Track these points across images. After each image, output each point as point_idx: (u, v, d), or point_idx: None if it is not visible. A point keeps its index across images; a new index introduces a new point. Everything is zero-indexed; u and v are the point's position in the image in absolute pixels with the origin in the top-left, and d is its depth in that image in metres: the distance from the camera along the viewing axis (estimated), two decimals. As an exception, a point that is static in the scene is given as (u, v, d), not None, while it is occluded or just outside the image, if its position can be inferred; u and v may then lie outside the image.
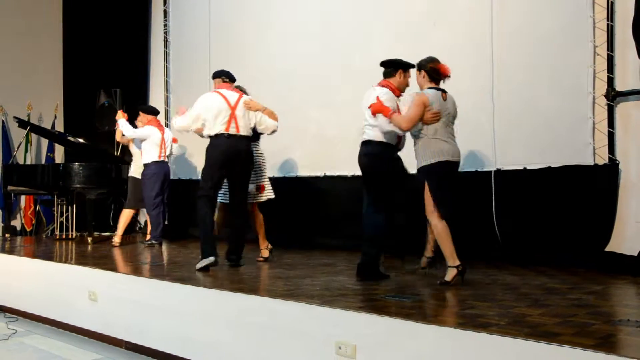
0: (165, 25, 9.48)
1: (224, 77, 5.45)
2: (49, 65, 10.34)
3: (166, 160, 7.39)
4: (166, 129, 7.59)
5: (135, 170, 7.51)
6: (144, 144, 7.26)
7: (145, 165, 7.24)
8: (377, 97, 4.45)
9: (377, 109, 4.41)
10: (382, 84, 4.67)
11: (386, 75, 4.72)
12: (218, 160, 5.12)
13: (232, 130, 5.18)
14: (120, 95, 9.42)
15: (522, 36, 5.68)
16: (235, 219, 5.41)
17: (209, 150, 5.18)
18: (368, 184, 4.58)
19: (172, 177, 9.11)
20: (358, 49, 6.88)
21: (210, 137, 5.20)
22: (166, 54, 9.44)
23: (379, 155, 4.53)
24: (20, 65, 9.97)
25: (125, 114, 7.48)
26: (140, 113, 7.49)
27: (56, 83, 10.38)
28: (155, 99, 9.68)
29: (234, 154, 5.18)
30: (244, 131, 5.26)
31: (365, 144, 4.59)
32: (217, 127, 5.15)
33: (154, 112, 7.60)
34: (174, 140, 7.67)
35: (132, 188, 7.48)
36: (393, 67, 4.70)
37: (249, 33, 8.12)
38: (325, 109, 7.12)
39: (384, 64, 4.76)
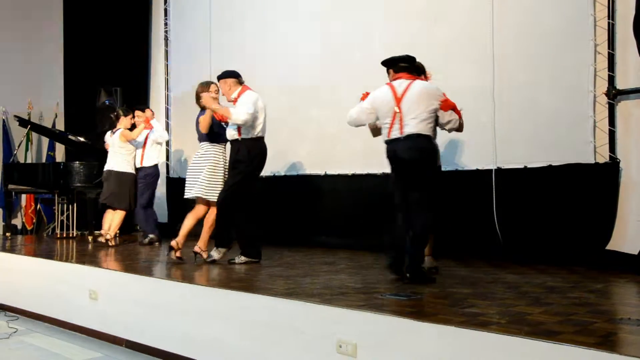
0: (165, 24, 9.48)
1: (241, 78, 5.50)
2: (50, 64, 10.33)
3: None
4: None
5: (126, 166, 7.16)
6: (153, 145, 7.29)
7: (145, 167, 7.25)
8: (444, 94, 4.39)
9: (451, 105, 4.33)
10: (423, 79, 4.59)
11: (416, 71, 4.56)
12: (263, 161, 5.43)
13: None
14: (120, 94, 9.42)
15: (523, 35, 5.68)
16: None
17: (254, 151, 5.30)
18: (415, 180, 4.26)
19: (172, 175, 9.16)
20: (358, 47, 6.88)
21: (258, 137, 5.35)
22: (167, 53, 9.44)
23: (433, 150, 4.40)
24: (21, 64, 9.97)
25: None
26: (139, 112, 7.42)
27: (57, 82, 10.36)
28: (156, 97, 9.69)
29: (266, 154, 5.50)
30: None
31: (414, 137, 4.24)
32: (265, 128, 5.40)
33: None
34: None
35: (126, 185, 7.14)
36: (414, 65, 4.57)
37: (250, 31, 8.12)
38: (326, 107, 7.12)
39: (411, 59, 4.52)
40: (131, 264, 5.52)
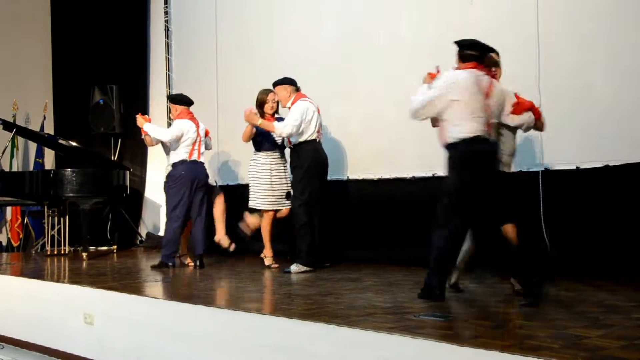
0: (166, 13, 9.55)
1: (297, 85, 6.30)
2: (37, 60, 10.46)
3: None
4: (200, 123, 6.80)
5: None
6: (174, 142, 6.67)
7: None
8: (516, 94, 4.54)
9: (528, 107, 4.51)
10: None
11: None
12: (317, 163, 6.14)
13: (319, 137, 6.23)
14: (117, 92, 9.50)
15: (573, 12, 5.63)
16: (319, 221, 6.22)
17: (305, 158, 6.08)
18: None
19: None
20: (383, 31, 6.90)
21: (306, 142, 6.10)
22: (168, 45, 9.51)
23: None
24: (5, 61, 10.09)
25: (147, 117, 6.97)
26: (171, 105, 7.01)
27: (45, 80, 10.49)
28: (156, 95, 9.76)
29: (325, 159, 6.25)
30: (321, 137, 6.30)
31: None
32: (314, 134, 6.12)
33: (186, 101, 6.84)
34: (207, 134, 6.96)
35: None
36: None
37: (260, 18, 8.15)
38: (347, 102, 7.12)
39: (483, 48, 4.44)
40: (131, 284, 5.56)
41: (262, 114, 6.39)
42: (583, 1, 5.58)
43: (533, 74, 5.75)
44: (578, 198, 5.50)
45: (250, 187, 6.52)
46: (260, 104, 6.43)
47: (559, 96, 5.67)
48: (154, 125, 6.89)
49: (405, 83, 6.55)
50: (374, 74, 6.90)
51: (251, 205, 6.48)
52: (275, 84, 6.31)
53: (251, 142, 6.56)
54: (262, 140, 6.50)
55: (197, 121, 6.70)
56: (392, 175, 6.72)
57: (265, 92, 6.44)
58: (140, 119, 6.80)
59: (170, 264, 6.50)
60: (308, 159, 6.09)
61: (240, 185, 7.90)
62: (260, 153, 6.51)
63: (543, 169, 5.73)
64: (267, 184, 6.43)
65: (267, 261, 6.49)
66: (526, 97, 5.75)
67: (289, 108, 6.19)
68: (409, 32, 6.69)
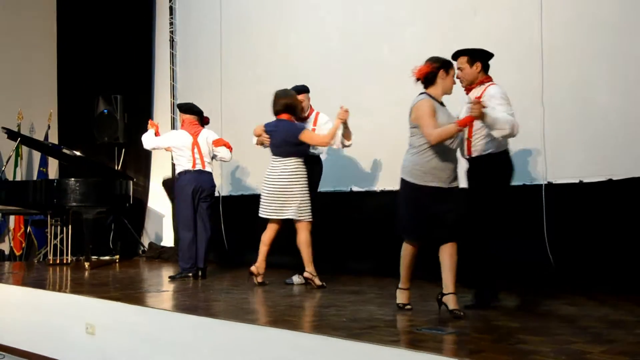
0: (171, 24, 9.59)
1: None
2: (42, 70, 10.50)
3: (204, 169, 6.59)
4: (205, 131, 6.72)
5: None
6: (174, 151, 6.71)
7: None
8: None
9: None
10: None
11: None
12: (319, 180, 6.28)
13: None
14: (121, 102, 9.52)
15: (577, 24, 5.63)
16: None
17: (319, 171, 6.23)
18: None
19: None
20: (386, 41, 6.90)
21: (318, 155, 6.25)
22: (172, 56, 9.54)
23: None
24: (10, 70, 10.13)
25: (156, 123, 6.93)
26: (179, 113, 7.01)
27: (49, 89, 10.53)
28: (161, 105, 9.78)
29: None
30: None
31: None
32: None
33: (187, 109, 6.80)
34: (217, 143, 6.73)
35: None
36: None
37: (264, 29, 8.18)
38: (351, 113, 7.10)
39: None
40: (133, 294, 5.55)
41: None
42: (586, 14, 5.59)
43: (536, 87, 5.76)
44: (581, 212, 5.48)
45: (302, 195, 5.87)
46: (296, 106, 5.91)
47: (562, 109, 5.67)
48: (151, 132, 6.86)
49: (409, 95, 6.57)
50: (378, 85, 6.92)
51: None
52: (301, 90, 6.10)
53: (261, 146, 6.08)
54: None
55: (196, 129, 6.62)
56: (395, 188, 6.70)
57: (294, 93, 5.99)
58: (150, 125, 6.91)
59: (190, 274, 6.47)
60: (319, 173, 6.22)
61: (244, 196, 7.91)
62: (298, 158, 5.84)
63: (546, 183, 5.72)
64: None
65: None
66: (529, 109, 5.79)
67: (305, 117, 6.13)
68: (412, 44, 6.71)
